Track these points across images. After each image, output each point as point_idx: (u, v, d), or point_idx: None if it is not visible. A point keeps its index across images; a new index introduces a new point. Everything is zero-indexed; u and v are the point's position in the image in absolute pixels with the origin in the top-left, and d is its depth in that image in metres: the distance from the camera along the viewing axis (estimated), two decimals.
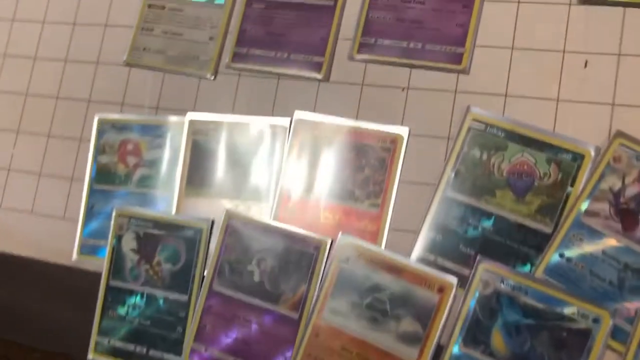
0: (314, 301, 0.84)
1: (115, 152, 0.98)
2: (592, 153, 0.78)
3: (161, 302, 0.91)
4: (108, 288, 0.94)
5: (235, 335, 0.87)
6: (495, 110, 0.83)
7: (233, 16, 0.97)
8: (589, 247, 0.77)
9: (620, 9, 0.81)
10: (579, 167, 0.78)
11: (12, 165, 1.05)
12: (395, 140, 0.86)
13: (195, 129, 0.94)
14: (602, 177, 0.77)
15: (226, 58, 0.96)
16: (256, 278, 0.87)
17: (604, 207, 0.77)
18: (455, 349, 0.78)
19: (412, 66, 0.87)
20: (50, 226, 1.00)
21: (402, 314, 0.81)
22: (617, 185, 0.77)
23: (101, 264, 0.95)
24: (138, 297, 0.93)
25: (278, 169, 0.90)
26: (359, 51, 0.90)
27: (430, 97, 0.86)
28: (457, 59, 0.85)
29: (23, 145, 1.05)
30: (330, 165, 0.88)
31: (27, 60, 1.07)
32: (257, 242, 0.88)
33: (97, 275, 0.95)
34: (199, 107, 0.96)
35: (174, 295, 0.91)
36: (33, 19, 1.08)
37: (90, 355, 0.93)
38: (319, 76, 0.91)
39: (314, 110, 0.91)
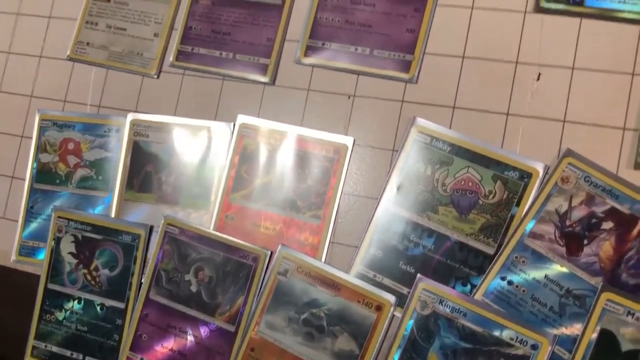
0: (250, 314, 0.82)
1: (57, 150, 0.95)
2: (540, 172, 0.75)
3: (98, 308, 0.89)
4: (46, 291, 0.92)
5: (171, 345, 0.85)
6: (442, 123, 0.79)
7: (179, 12, 0.93)
8: (532, 271, 0.74)
9: (576, 19, 0.77)
10: (525, 186, 0.75)
11: None
12: (339, 150, 0.83)
13: (137, 130, 0.91)
14: (548, 197, 0.74)
15: (170, 56, 0.91)
16: (193, 288, 0.85)
17: (549, 229, 0.74)
18: None
19: (359, 73, 0.83)
20: None
21: (338, 331, 0.78)
22: (564, 207, 0.74)
23: (40, 266, 0.92)
24: (76, 302, 0.90)
25: (220, 175, 0.86)
26: (306, 54, 0.86)
27: (377, 106, 0.83)
28: (406, 66, 0.81)
29: None
30: (273, 173, 0.85)
31: None
32: (196, 251, 0.85)
33: (36, 278, 0.92)
34: (142, 106, 0.92)
35: (110, 302, 0.88)
36: None
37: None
38: (265, 79, 0.87)
39: (258, 113, 0.87)
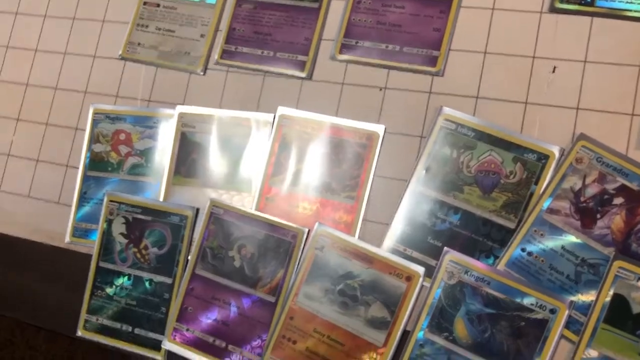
0: (289, 286, 0.89)
1: (109, 141, 1.03)
2: (557, 154, 0.83)
3: (147, 283, 0.96)
4: (98, 269, 0.99)
5: (215, 316, 0.92)
6: (466, 111, 0.87)
7: (223, 15, 1.02)
8: (550, 243, 0.81)
9: (587, 18, 0.86)
10: (543, 167, 0.83)
11: (12, 151, 1.10)
12: (371, 137, 0.91)
13: (184, 121, 0.99)
14: (564, 177, 0.82)
15: (215, 55, 1.01)
16: (237, 263, 0.92)
17: (565, 205, 0.81)
18: (420, 334, 0.83)
19: (389, 67, 0.92)
20: (46, 210, 1.05)
21: (371, 300, 0.85)
22: (578, 185, 0.81)
23: (92, 246, 1.00)
24: (125, 279, 0.98)
25: (261, 161, 0.95)
26: (340, 52, 0.94)
27: (406, 97, 0.91)
28: (433, 61, 0.90)
29: (22, 132, 1.10)
30: (310, 159, 0.93)
31: (29, 52, 1.12)
32: (239, 230, 0.93)
33: (88, 257, 1.00)
34: (189, 101, 1.01)
35: (159, 278, 0.96)
36: (35, 13, 1.14)
37: (79, 332, 0.99)
38: (303, 74, 0.96)
39: (296, 106, 0.95)
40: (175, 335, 0.93)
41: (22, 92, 1.11)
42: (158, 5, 1.06)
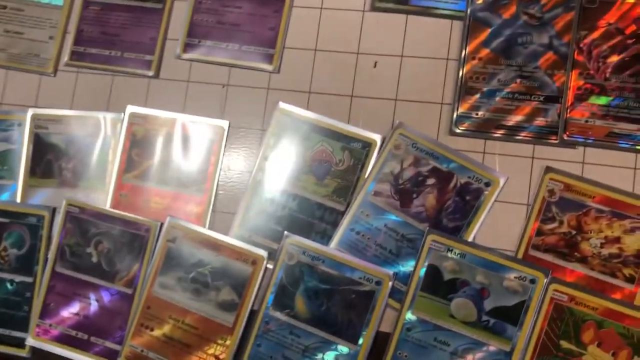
0: (145, 278, 0.94)
1: None
2: (378, 142, 0.92)
3: (8, 284, 0.99)
4: None
5: (77, 311, 0.96)
6: (300, 105, 0.94)
7: (71, 17, 1.04)
8: (374, 222, 0.90)
9: (403, 16, 0.94)
10: (367, 154, 0.92)
11: None
12: (217, 132, 0.97)
13: (37, 123, 1.01)
14: (385, 162, 0.91)
15: (65, 56, 1.03)
16: (94, 259, 0.96)
17: (386, 187, 0.90)
18: (266, 313, 0.90)
19: (230, 65, 0.97)
20: None
21: (221, 285, 0.92)
22: (397, 169, 0.90)
23: None
24: None
25: (113, 159, 0.99)
26: (185, 51, 0.99)
27: (247, 94, 0.97)
28: (269, 59, 0.96)
29: None
30: (160, 155, 0.98)
31: None
32: (95, 227, 0.97)
33: None
34: (41, 102, 1.03)
35: (20, 278, 0.99)
36: None
37: None
38: (150, 73, 1.00)
39: (145, 104, 1.00)
40: (38, 332, 0.97)
41: None
42: (5, 7, 1.06)
